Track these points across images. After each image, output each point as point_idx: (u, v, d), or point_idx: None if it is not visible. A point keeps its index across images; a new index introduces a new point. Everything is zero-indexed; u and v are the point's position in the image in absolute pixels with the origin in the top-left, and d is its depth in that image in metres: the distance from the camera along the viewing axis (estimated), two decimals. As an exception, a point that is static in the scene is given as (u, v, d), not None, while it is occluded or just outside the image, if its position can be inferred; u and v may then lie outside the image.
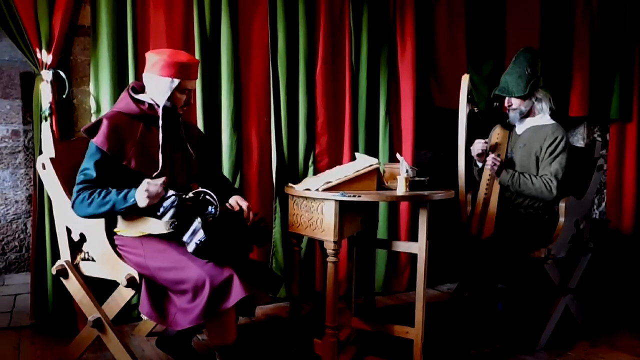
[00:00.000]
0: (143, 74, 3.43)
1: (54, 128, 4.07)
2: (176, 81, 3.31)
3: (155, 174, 3.29)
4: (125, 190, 3.13)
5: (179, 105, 3.41)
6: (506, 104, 4.43)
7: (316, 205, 3.52)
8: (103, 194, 3.14)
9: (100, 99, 4.27)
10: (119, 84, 4.27)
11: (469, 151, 4.36)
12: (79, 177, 3.22)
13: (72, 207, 3.22)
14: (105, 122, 3.24)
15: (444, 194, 3.64)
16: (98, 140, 3.20)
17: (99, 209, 3.13)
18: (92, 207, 3.14)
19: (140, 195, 3.07)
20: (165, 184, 3.11)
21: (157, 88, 3.34)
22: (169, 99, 3.35)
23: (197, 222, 3.07)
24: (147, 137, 3.36)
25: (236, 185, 4.64)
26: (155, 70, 3.32)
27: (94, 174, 3.19)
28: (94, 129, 3.24)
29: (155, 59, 3.33)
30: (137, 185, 3.12)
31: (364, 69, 5.12)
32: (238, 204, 3.45)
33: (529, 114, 4.39)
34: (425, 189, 3.75)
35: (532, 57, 4.34)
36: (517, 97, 4.32)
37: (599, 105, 6.16)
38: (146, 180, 3.09)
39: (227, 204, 3.43)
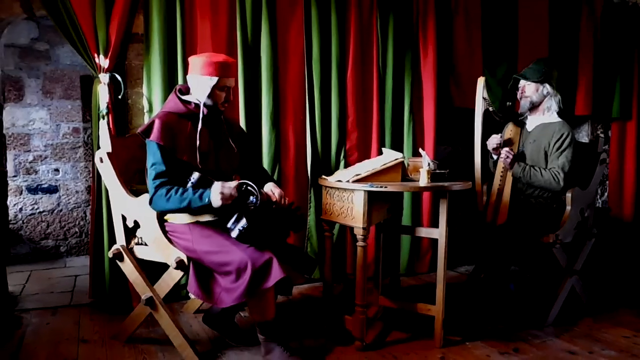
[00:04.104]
0: (187, 76, 3.43)
1: (111, 126, 4.07)
2: (215, 79, 3.29)
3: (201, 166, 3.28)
4: (201, 190, 3.11)
5: (219, 101, 3.38)
6: (520, 93, 4.40)
7: (347, 195, 3.51)
8: (180, 191, 3.13)
9: (152, 99, 4.25)
10: (169, 85, 4.26)
11: (484, 146, 4.34)
12: (151, 173, 3.20)
13: (150, 202, 3.21)
14: (157, 122, 3.24)
15: (462, 185, 3.62)
16: (154, 137, 3.20)
17: (178, 205, 3.12)
18: (171, 203, 3.13)
19: (215, 197, 3.06)
20: (238, 188, 3.09)
21: (199, 86, 3.33)
22: (209, 96, 3.33)
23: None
24: (194, 133, 3.34)
25: (275, 177, 4.62)
26: (196, 70, 3.33)
27: (163, 167, 3.18)
28: (148, 129, 3.24)
29: (196, 60, 3.35)
30: (188, 176, 3.14)
31: (389, 72, 5.06)
32: (272, 192, 3.39)
33: (537, 108, 4.34)
34: (445, 181, 3.73)
35: (549, 63, 4.34)
36: (532, 82, 4.28)
37: (602, 105, 6.12)
38: (220, 183, 3.09)
39: (262, 190, 3.38)
